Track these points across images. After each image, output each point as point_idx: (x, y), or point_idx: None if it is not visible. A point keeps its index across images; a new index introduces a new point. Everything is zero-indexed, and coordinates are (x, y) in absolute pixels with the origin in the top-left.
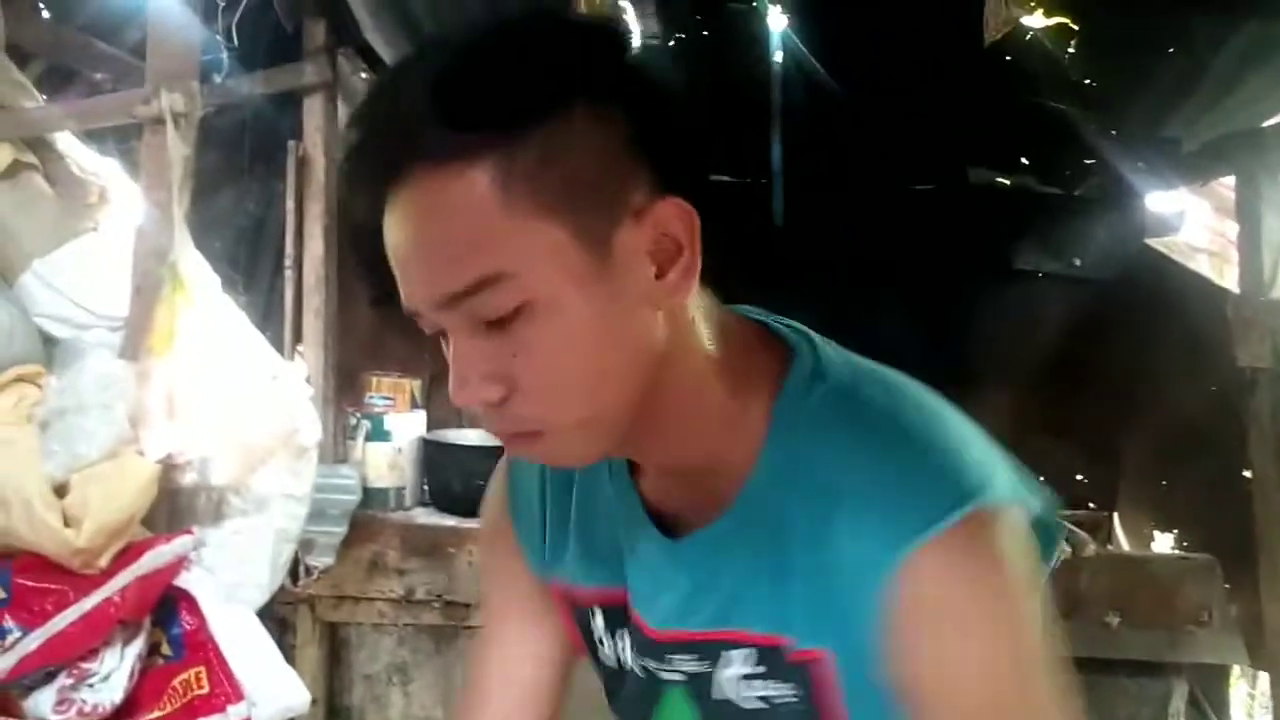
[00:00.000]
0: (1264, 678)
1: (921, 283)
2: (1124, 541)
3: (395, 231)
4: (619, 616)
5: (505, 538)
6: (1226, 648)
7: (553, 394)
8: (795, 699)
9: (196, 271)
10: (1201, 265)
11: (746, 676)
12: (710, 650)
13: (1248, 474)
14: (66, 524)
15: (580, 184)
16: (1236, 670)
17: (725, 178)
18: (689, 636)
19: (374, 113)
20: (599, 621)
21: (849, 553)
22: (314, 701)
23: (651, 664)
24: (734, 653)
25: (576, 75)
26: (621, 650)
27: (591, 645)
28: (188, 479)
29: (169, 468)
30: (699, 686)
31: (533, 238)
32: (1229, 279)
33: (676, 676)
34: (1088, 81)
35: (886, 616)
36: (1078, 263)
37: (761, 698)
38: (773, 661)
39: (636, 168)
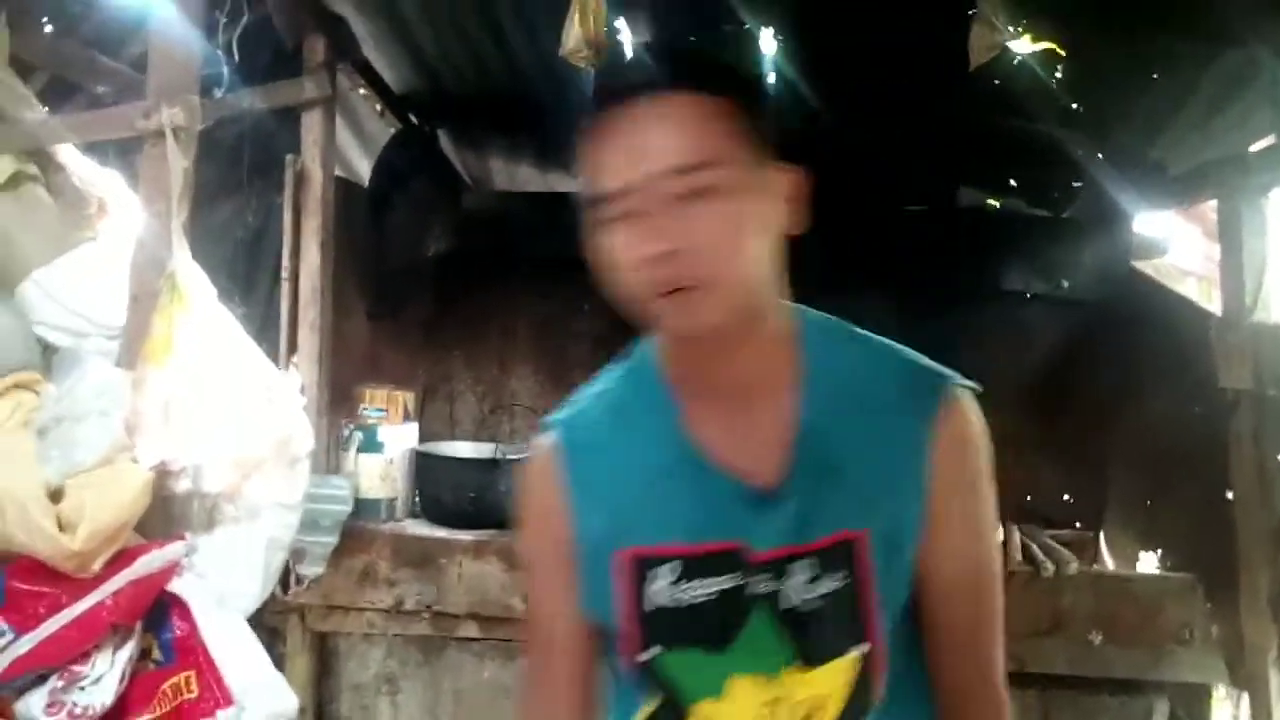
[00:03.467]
0: (1246, 699)
1: (910, 303)
2: (1109, 561)
3: (650, 123)
4: (696, 565)
5: (558, 519)
6: (1208, 667)
7: (718, 253)
8: (842, 585)
9: (194, 282)
10: (1189, 288)
11: (809, 580)
12: (779, 566)
13: (1230, 495)
14: (61, 528)
15: (759, 135)
16: (1220, 691)
17: None
18: (771, 556)
19: (655, 58)
20: (669, 572)
21: (889, 431)
22: (302, 710)
23: (742, 586)
24: (796, 564)
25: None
26: (694, 593)
27: (641, 597)
28: (181, 486)
29: (163, 474)
30: (771, 601)
31: (735, 151)
32: (1216, 302)
33: (763, 589)
34: (1075, 105)
35: (927, 476)
36: (1065, 284)
37: (820, 596)
38: (827, 558)
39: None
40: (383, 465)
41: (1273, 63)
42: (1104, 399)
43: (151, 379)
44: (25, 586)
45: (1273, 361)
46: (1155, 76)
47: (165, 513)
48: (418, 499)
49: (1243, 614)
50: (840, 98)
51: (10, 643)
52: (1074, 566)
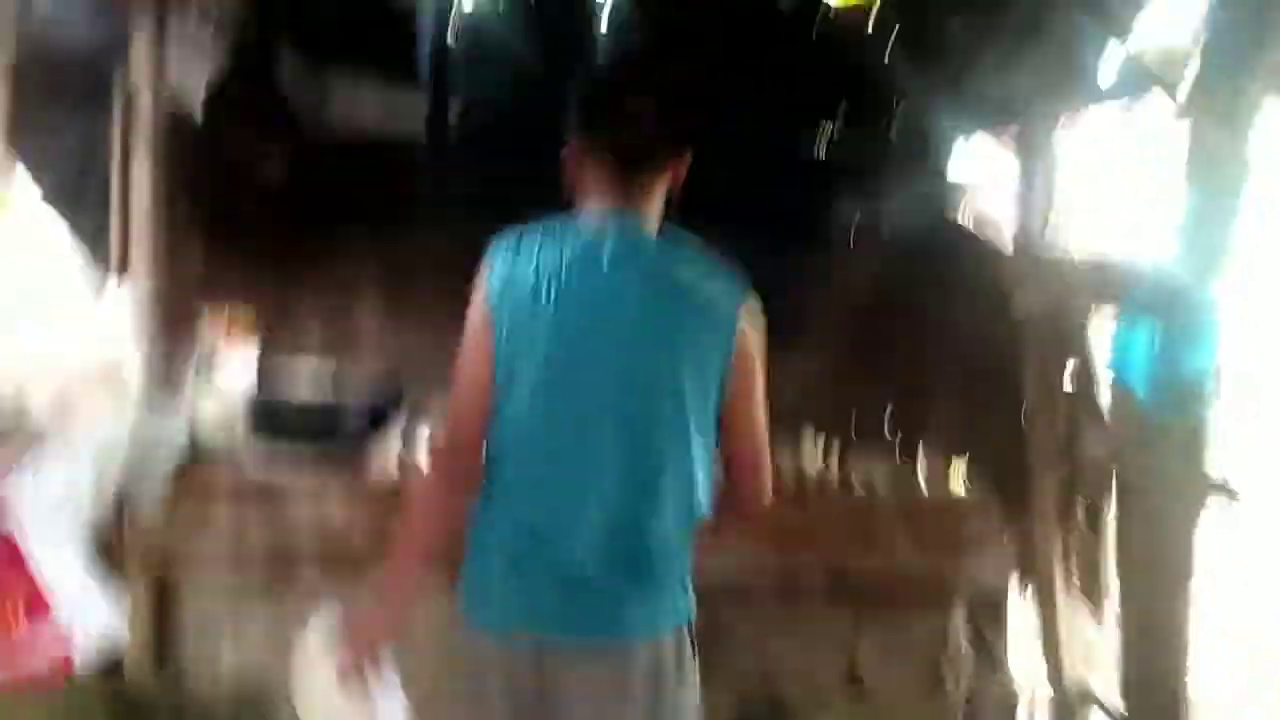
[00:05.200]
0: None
1: (741, 238)
2: (923, 484)
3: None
4: None
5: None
6: (1002, 574)
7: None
8: None
9: (18, 194)
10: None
11: None
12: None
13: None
14: None
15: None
16: (1012, 599)
17: None
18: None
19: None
20: None
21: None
22: (142, 651)
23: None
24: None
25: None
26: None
27: None
28: (6, 411)
29: None
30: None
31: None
32: None
33: None
34: (893, 40)
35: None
36: (889, 218)
37: None
38: None
39: None
40: (221, 394)
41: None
42: (921, 332)
43: None
44: None
45: (1059, 289)
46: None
47: None
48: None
49: (1032, 521)
50: (677, 36)
51: None
52: (883, 487)
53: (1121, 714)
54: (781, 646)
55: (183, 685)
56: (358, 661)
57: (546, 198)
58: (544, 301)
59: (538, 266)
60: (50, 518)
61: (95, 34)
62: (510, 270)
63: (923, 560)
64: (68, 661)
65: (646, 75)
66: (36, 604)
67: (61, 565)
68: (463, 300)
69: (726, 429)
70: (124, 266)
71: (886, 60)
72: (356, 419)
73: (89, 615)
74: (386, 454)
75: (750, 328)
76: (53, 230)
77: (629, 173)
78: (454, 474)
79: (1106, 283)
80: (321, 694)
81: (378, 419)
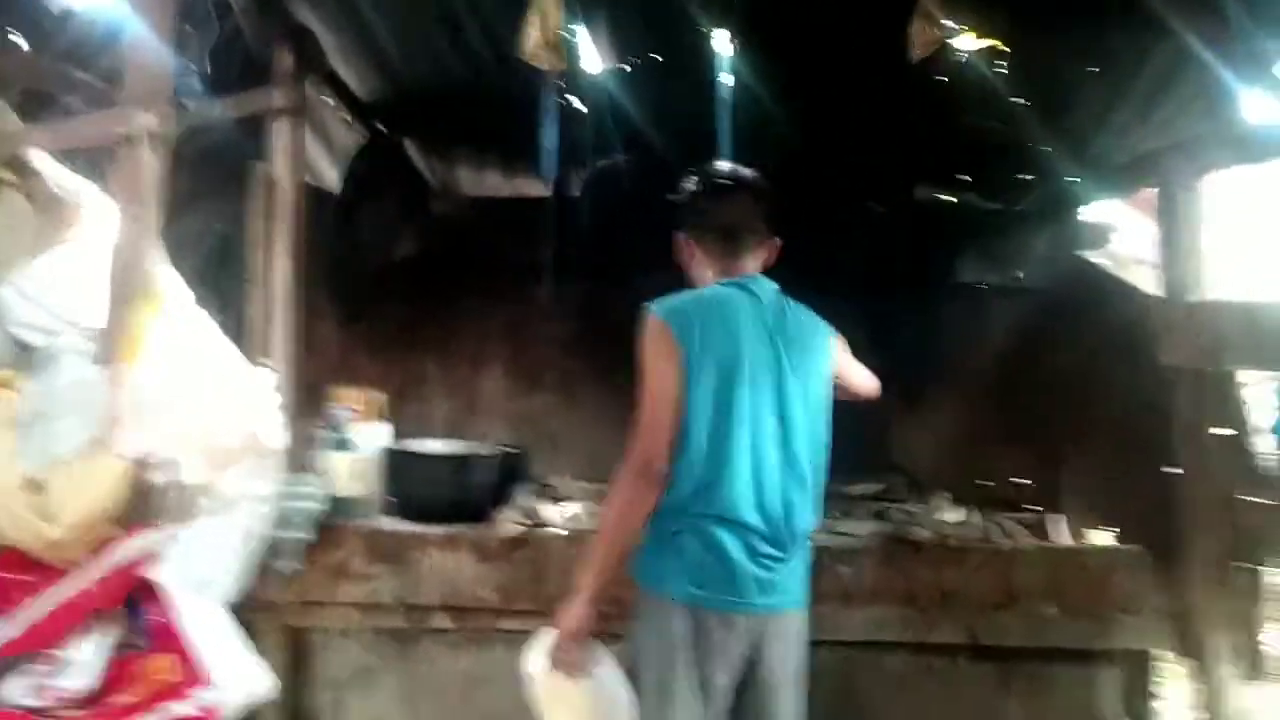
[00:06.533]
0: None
1: (871, 297)
2: (1065, 538)
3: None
4: None
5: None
6: (1156, 635)
7: None
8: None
9: (169, 284)
10: (1138, 274)
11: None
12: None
13: (1175, 469)
14: (42, 519)
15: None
16: (1170, 658)
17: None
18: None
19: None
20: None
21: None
22: (278, 705)
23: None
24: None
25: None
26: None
27: None
28: (158, 478)
29: (140, 466)
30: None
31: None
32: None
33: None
34: (1020, 100)
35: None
36: (1017, 274)
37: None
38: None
39: None
40: (355, 463)
41: (1202, 56)
42: (1056, 383)
43: (128, 375)
44: (8, 575)
45: (1209, 338)
46: (1096, 70)
47: (143, 504)
48: (391, 498)
49: (1188, 583)
50: (797, 98)
51: None
52: (1027, 542)
53: None
54: (922, 708)
55: None
56: (573, 649)
57: (664, 265)
58: (715, 335)
59: (703, 311)
60: (201, 586)
61: (235, 131)
62: (685, 313)
63: (1070, 621)
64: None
65: (744, 184)
66: (189, 671)
67: (211, 631)
68: (582, 366)
69: (844, 382)
70: (264, 350)
71: (1018, 110)
72: (484, 484)
73: (238, 678)
74: (513, 512)
75: (837, 343)
76: (201, 319)
77: (734, 259)
78: (651, 478)
79: (1260, 334)
80: (552, 685)
81: (505, 483)
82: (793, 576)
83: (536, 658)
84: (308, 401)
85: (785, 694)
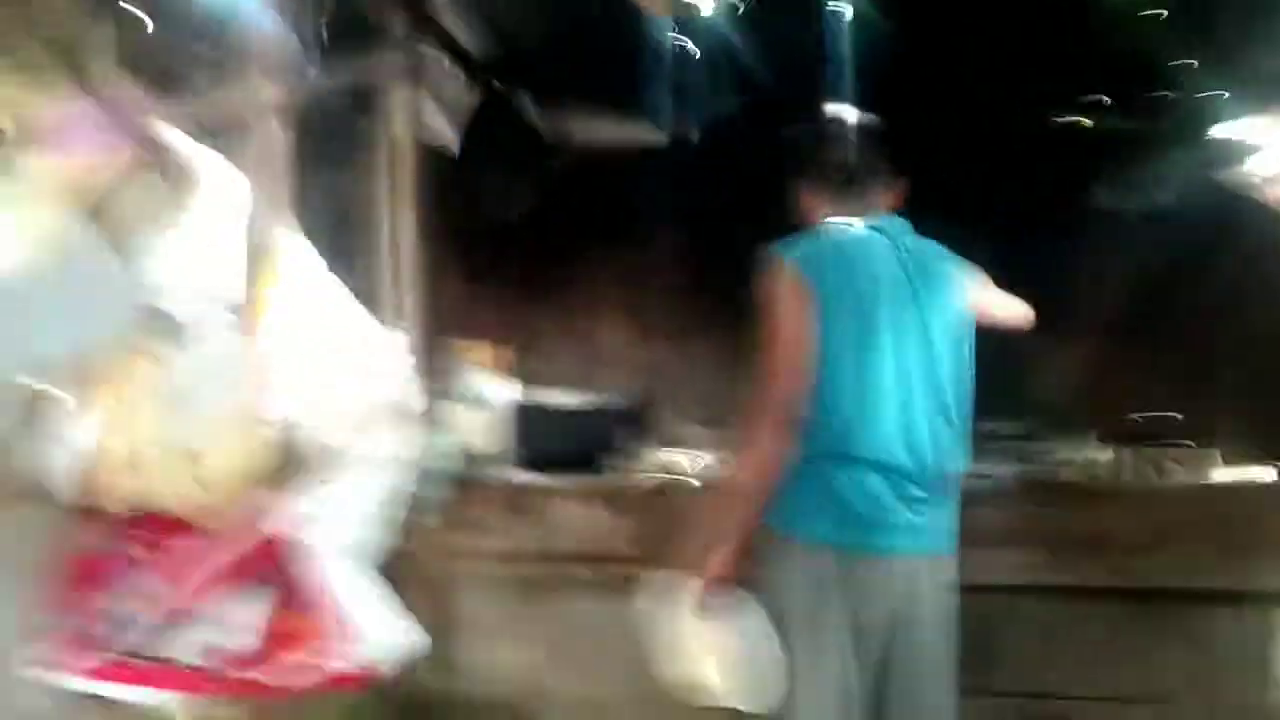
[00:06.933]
0: None
1: (1006, 229)
2: (1223, 475)
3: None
4: None
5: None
6: None
7: None
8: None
9: (301, 253)
10: None
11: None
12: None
13: None
14: (199, 487)
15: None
16: None
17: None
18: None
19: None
20: None
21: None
22: (429, 656)
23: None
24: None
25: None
26: None
27: None
28: (304, 443)
29: (287, 432)
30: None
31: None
32: None
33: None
34: (1162, 11)
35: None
36: (1160, 199)
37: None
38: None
39: None
40: (487, 419)
41: None
42: (1206, 311)
43: (269, 345)
44: (168, 540)
45: None
46: None
47: (291, 468)
48: (521, 450)
49: None
50: (921, 29)
51: (160, 594)
52: (1180, 480)
53: None
54: (1069, 654)
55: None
56: (719, 597)
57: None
58: (848, 276)
59: (834, 252)
60: (348, 545)
61: (354, 96)
62: (815, 255)
63: (1228, 562)
64: (366, 674)
65: (859, 128)
66: (343, 629)
67: (361, 589)
68: (702, 313)
69: (988, 316)
70: (397, 313)
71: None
72: (613, 435)
73: (389, 634)
74: (643, 462)
75: (968, 278)
76: (335, 286)
77: (856, 204)
78: (784, 424)
79: None
80: (696, 633)
81: (632, 433)
82: (942, 519)
83: (677, 607)
84: (438, 360)
85: (935, 640)
